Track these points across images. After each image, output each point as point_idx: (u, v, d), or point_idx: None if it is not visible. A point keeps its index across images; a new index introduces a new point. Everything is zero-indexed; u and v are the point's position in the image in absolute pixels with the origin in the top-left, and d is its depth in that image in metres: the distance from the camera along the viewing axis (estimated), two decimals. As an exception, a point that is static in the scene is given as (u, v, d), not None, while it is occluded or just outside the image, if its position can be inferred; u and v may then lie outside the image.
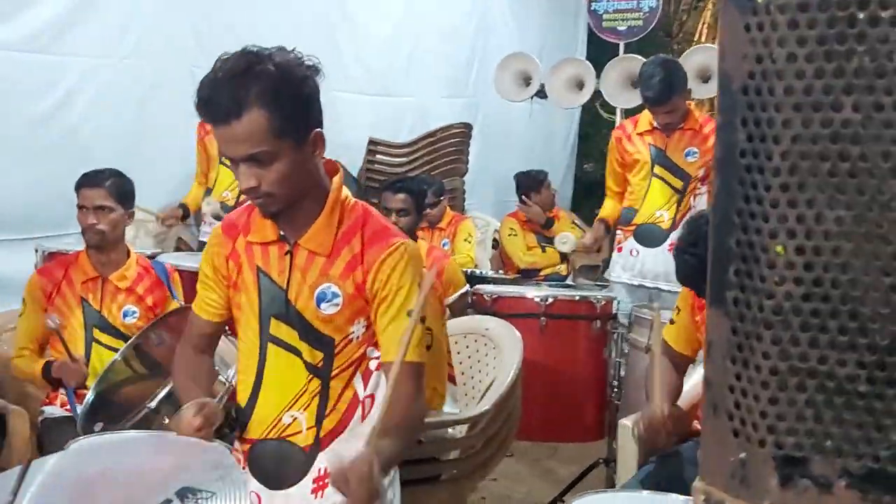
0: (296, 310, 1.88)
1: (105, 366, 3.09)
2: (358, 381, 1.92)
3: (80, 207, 3.28)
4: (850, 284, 0.70)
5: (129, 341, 3.09)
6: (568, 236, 4.84)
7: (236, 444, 2.01)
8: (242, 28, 5.71)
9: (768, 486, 0.75)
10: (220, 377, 2.77)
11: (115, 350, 3.15)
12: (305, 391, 1.91)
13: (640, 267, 4.38)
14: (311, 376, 1.91)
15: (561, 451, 4.84)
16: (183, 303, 3.35)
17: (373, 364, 1.93)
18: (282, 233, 1.90)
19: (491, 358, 3.46)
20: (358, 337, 1.90)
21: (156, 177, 5.33)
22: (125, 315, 3.33)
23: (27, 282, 3.36)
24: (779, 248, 0.73)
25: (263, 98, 1.71)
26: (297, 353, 1.90)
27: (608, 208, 4.53)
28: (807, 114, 0.70)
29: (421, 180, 5.32)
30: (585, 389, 4.23)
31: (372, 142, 6.65)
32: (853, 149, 0.69)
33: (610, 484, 3.76)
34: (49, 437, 3.16)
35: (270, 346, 1.91)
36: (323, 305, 1.87)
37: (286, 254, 1.89)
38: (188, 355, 2.09)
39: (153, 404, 2.59)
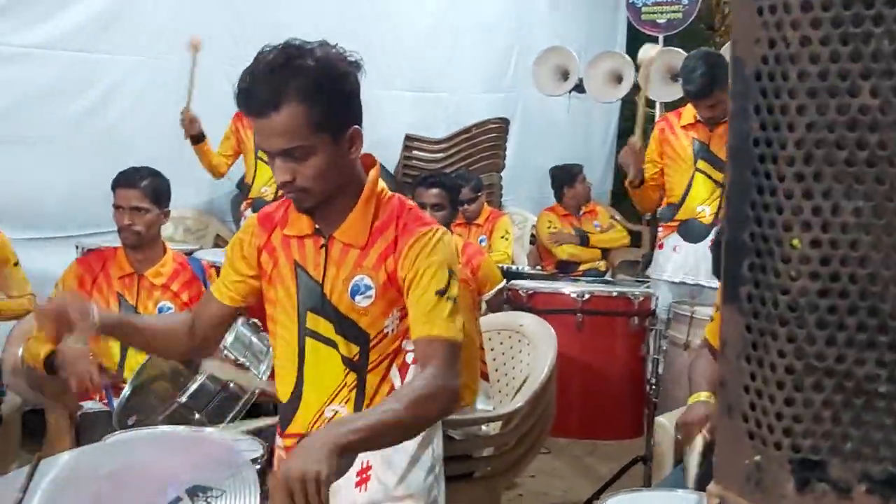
0: (331, 303, 1.87)
1: (141, 361, 3.11)
2: (395, 375, 1.91)
3: (116, 207, 3.31)
4: (869, 279, 0.66)
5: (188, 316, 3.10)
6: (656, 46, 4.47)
7: (278, 441, 2.00)
8: (278, 25, 5.72)
9: (784, 490, 0.71)
10: (251, 369, 2.79)
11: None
12: (344, 385, 1.90)
13: (682, 263, 4.32)
14: (347, 370, 1.90)
15: (599, 449, 4.79)
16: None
17: (409, 357, 1.92)
18: (317, 226, 1.89)
19: (525, 354, 3.44)
20: (392, 331, 1.89)
21: (193, 174, 5.37)
22: (160, 311, 3.35)
23: (66, 268, 3.41)
24: (794, 242, 0.69)
25: (302, 92, 1.70)
26: (334, 345, 1.89)
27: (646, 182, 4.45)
28: (822, 100, 0.66)
29: (457, 176, 5.31)
30: (623, 387, 4.18)
31: (409, 138, 6.64)
32: (871, 136, 0.65)
33: (648, 482, 3.71)
34: (87, 432, 3.19)
35: (308, 341, 1.91)
36: (357, 298, 1.86)
37: (322, 247, 1.88)
38: (177, 318, 2.15)
39: (184, 398, 2.61)
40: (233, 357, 2.76)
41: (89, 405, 3.33)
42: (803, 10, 0.67)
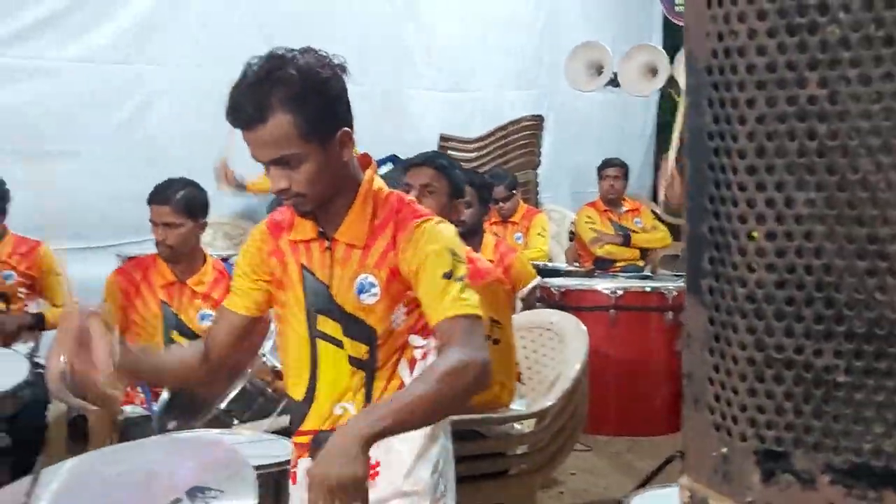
0: (337, 304, 1.90)
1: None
2: (404, 370, 1.93)
3: (151, 221, 3.36)
4: (825, 270, 0.66)
5: (206, 337, 3.15)
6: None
7: (293, 439, 2.03)
8: (312, 30, 5.78)
9: (751, 481, 0.71)
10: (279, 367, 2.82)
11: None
12: (352, 383, 1.92)
13: None
14: (355, 369, 1.92)
15: (639, 445, 4.76)
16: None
17: (417, 353, 1.93)
18: (321, 229, 1.91)
19: (557, 352, 3.43)
20: (399, 325, 1.91)
21: (235, 185, 5.46)
22: (202, 318, 3.41)
23: (105, 281, 3.48)
24: (754, 234, 0.69)
25: (286, 103, 1.71)
26: (342, 346, 1.91)
27: None
28: (771, 91, 0.66)
29: (492, 175, 5.30)
30: (659, 382, 4.16)
31: (443, 137, 6.66)
32: (821, 126, 0.65)
33: (686, 478, 3.68)
34: (129, 436, 3.25)
35: (319, 342, 1.93)
36: (363, 296, 1.88)
37: (326, 249, 1.91)
38: (189, 352, 2.12)
39: (223, 405, 2.65)
40: (270, 364, 2.80)
41: (131, 410, 3.40)
42: (749, 1, 0.67)
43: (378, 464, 1.92)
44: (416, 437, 1.90)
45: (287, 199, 1.83)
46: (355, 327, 1.90)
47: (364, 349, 1.90)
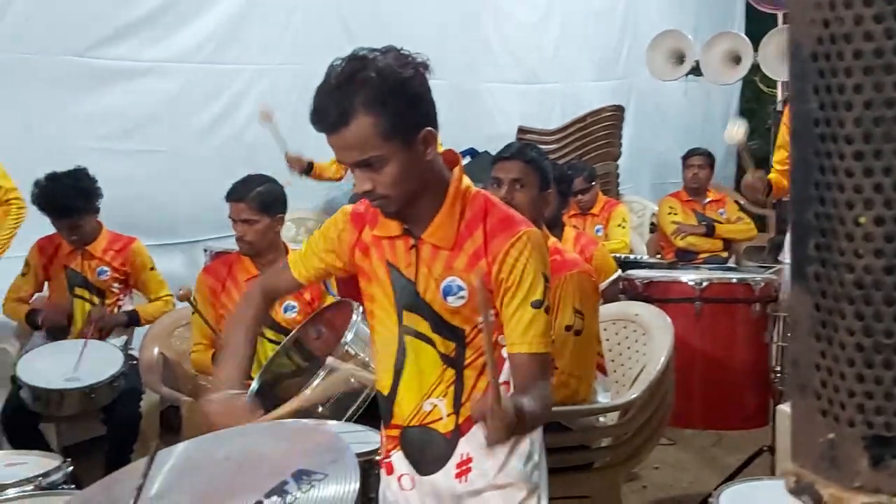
0: (425, 302, 1.91)
1: (268, 357, 3.24)
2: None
3: (230, 218, 3.45)
4: (935, 255, 0.65)
5: (290, 335, 3.22)
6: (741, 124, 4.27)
7: (382, 431, 2.07)
8: (392, 24, 5.84)
9: (859, 467, 0.71)
10: (371, 364, 2.86)
11: (277, 344, 3.30)
12: (441, 380, 1.94)
13: None
14: (445, 366, 1.93)
15: (725, 439, 4.70)
16: (338, 297, 3.46)
17: (505, 352, 1.93)
18: (406, 227, 1.92)
19: (641, 344, 3.40)
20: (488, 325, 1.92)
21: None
22: (286, 310, 3.48)
23: (196, 281, 3.58)
24: (861, 219, 0.69)
25: (368, 104, 1.72)
26: (431, 343, 1.93)
27: (773, 176, 4.33)
28: (878, 77, 0.66)
29: (570, 166, 5.27)
30: (746, 375, 4.08)
31: (521, 130, 6.65)
32: (930, 111, 0.64)
33: (774, 473, 3.62)
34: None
35: (407, 337, 1.95)
36: (449, 299, 1.89)
37: (412, 248, 1.91)
38: (256, 306, 2.18)
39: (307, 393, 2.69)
40: (353, 353, 2.84)
41: (221, 401, 3.49)
42: (856, -12, 0.66)
43: (471, 458, 1.94)
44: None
45: (372, 200, 1.85)
46: (443, 326, 1.91)
47: (452, 346, 1.92)
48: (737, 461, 4.14)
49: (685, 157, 6.17)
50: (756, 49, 6.16)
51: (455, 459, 1.95)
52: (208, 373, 3.57)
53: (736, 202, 6.48)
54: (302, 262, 2.09)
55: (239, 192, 3.40)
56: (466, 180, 1.93)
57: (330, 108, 1.74)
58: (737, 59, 6.30)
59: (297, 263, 2.10)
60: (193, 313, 3.54)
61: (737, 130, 3.80)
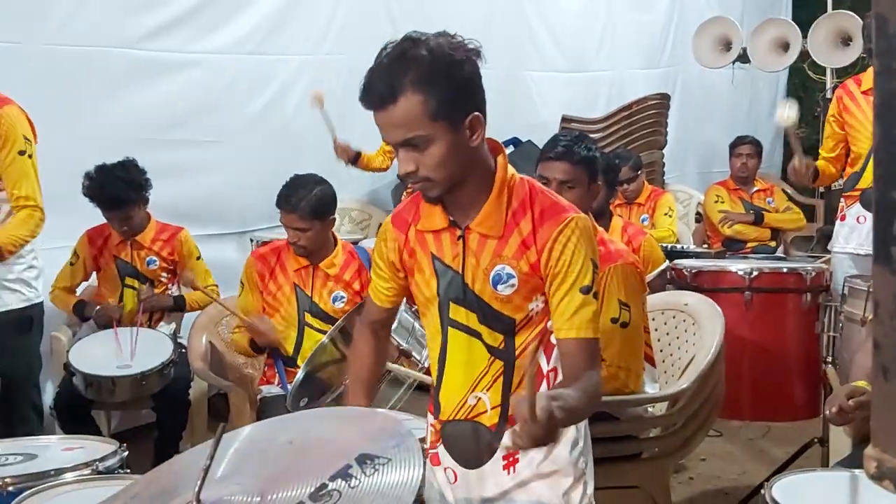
0: (473, 293, 1.89)
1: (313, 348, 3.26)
2: (541, 356, 1.91)
3: (281, 223, 3.46)
4: None
5: (336, 325, 3.24)
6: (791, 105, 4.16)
7: (430, 419, 2.06)
8: (437, 14, 5.83)
9: (945, 454, 0.69)
10: (414, 354, 2.87)
11: (324, 333, 3.32)
12: (487, 372, 1.92)
13: (868, 235, 4.10)
14: (492, 358, 1.92)
15: (774, 431, 4.64)
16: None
17: (554, 338, 1.91)
18: (451, 218, 1.90)
19: (690, 334, 3.36)
20: (537, 313, 1.90)
21: (360, 171, 5.55)
22: (334, 300, 3.50)
23: (244, 264, 3.61)
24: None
25: (417, 82, 1.72)
26: (478, 335, 1.91)
27: (821, 164, 4.25)
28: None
29: (615, 155, 5.21)
30: (797, 366, 4.02)
31: (565, 119, 6.60)
32: None
33: (825, 464, 3.57)
34: (266, 413, 3.37)
35: (451, 330, 1.93)
36: (500, 287, 1.87)
37: (459, 238, 1.90)
38: (366, 340, 2.17)
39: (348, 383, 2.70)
40: (396, 342, 2.85)
41: (267, 389, 3.52)
42: (948, -40, 0.64)
43: (517, 451, 1.92)
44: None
45: (414, 182, 1.83)
46: (492, 316, 1.89)
47: (501, 338, 1.90)
48: (785, 453, 4.09)
49: (733, 146, 6.08)
50: (805, 35, 6.05)
51: (502, 451, 1.94)
52: (247, 354, 3.61)
53: (784, 191, 6.38)
54: (375, 286, 2.09)
55: (290, 203, 3.37)
56: (511, 168, 1.91)
57: (379, 85, 1.74)
58: (785, 46, 6.20)
59: (373, 290, 2.10)
60: (239, 295, 3.58)
61: (788, 112, 3.75)
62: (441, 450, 2.02)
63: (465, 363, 1.93)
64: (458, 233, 1.89)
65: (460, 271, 1.89)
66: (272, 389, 3.51)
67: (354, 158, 5.32)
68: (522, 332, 1.90)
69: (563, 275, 1.84)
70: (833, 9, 6.26)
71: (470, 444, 1.97)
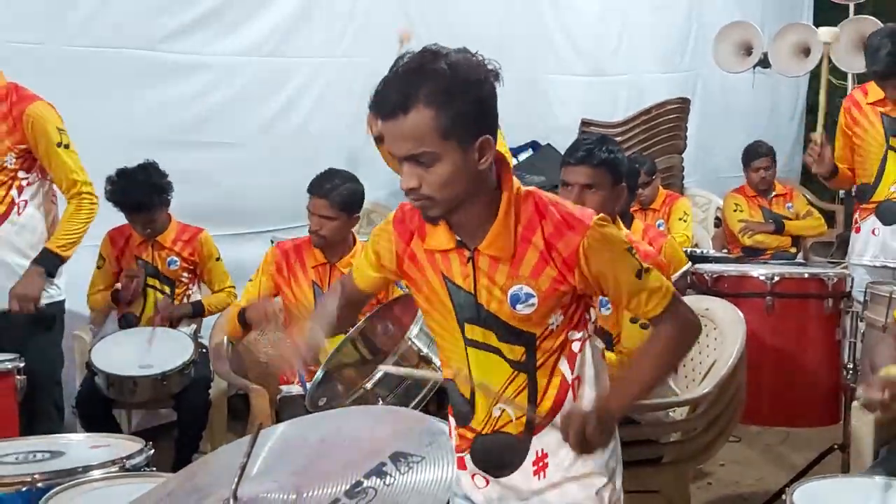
0: (489, 312, 1.87)
1: (333, 348, 3.27)
2: (564, 365, 1.91)
3: (308, 209, 3.48)
4: None
5: (357, 325, 3.24)
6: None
7: (452, 423, 2.05)
8: (455, 18, 5.84)
9: None
10: (433, 360, 2.87)
11: (343, 333, 3.33)
12: (510, 385, 1.91)
13: (882, 246, 4.11)
14: (515, 372, 1.90)
15: (793, 437, 4.64)
16: (406, 290, 3.48)
17: (575, 346, 1.91)
18: (458, 238, 1.86)
19: (711, 339, 3.35)
20: (557, 325, 1.88)
21: (374, 168, 5.54)
22: (350, 298, 3.51)
23: (267, 252, 3.64)
24: None
25: (431, 97, 1.68)
26: (498, 352, 1.90)
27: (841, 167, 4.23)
28: None
29: (629, 159, 5.18)
30: (817, 372, 4.01)
31: (585, 122, 6.59)
32: None
33: (845, 471, 3.56)
34: (285, 413, 3.40)
35: (470, 349, 1.92)
36: (519, 307, 1.84)
37: (468, 260, 1.86)
38: (336, 295, 2.16)
39: (369, 385, 2.70)
40: (416, 348, 2.85)
41: (287, 389, 3.54)
42: None
43: (546, 454, 1.93)
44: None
45: (415, 200, 1.77)
46: (511, 333, 1.88)
47: (521, 351, 1.89)
48: (804, 459, 4.08)
49: (748, 159, 5.98)
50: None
51: (531, 457, 1.94)
52: (234, 333, 3.62)
53: (809, 203, 6.31)
54: (359, 273, 2.09)
55: (323, 189, 3.42)
56: (517, 182, 1.86)
57: (392, 94, 1.70)
58: (806, 51, 6.17)
59: (358, 273, 2.09)
60: (250, 280, 3.62)
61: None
62: (468, 458, 2.01)
63: (488, 378, 1.92)
64: (467, 254, 1.85)
65: (473, 292, 1.86)
66: (292, 389, 3.53)
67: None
68: (543, 344, 1.89)
69: (612, 278, 1.83)
70: (856, 14, 6.22)
71: (497, 456, 1.97)
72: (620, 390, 1.92)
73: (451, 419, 2.05)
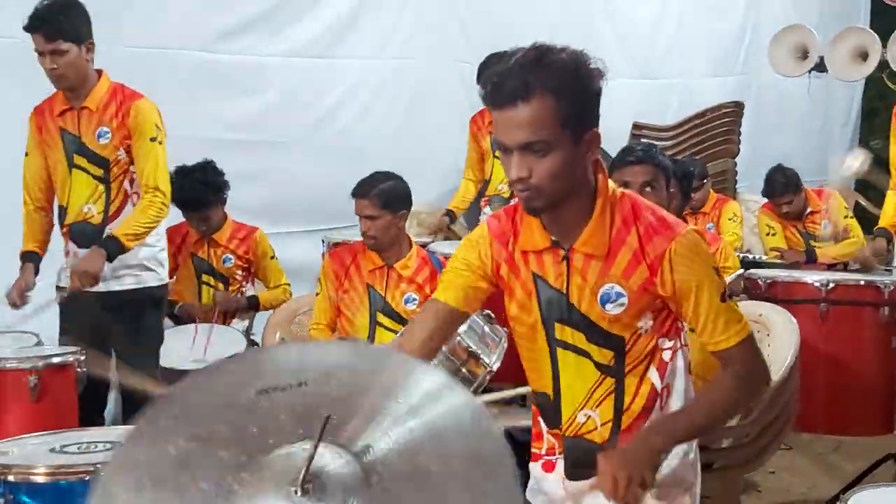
0: (580, 313, 1.86)
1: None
2: (653, 374, 1.89)
3: (356, 213, 3.53)
4: None
5: (406, 326, 3.27)
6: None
7: (543, 427, 2.02)
8: (506, 20, 5.83)
9: None
10: (482, 357, 2.87)
11: (394, 333, 3.37)
12: (597, 389, 1.90)
13: None
14: (603, 375, 1.89)
15: (845, 446, 4.56)
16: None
17: (666, 355, 1.89)
18: (553, 238, 1.87)
19: (765, 345, 3.31)
20: (647, 330, 1.87)
21: (424, 169, 5.56)
22: (406, 301, 3.55)
23: (322, 263, 3.69)
24: None
25: (554, 85, 1.69)
26: (587, 354, 1.89)
27: (889, 210, 4.12)
28: None
29: (683, 163, 5.11)
30: (871, 380, 3.94)
31: (636, 126, 6.55)
32: None
33: (904, 480, 3.50)
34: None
35: (559, 350, 1.91)
36: (608, 306, 1.84)
37: (563, 259, 1.86)
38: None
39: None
40: (465, 345, 2.86)
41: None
42: None
43: None
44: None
45: (522, 190, 1.77)
46: (600, 335, 1.87)
47: (610, 355, 1.88)
48: (856, 468, 4.02)
49: (767, 195, 5.60)
50: (884, 45, 5.93)
51: None
52: None
53: (846, 209, 6.04)
54: (447, 287, 1.96)
55: (363, 189, 3.49)
56: (611, 183, 1.88)
57: (513, 81, 1.71)
58: (864, 56, 6.07)
59: (448, 291, 1.95)
60: (317, 294, 3.65)
61: (856, 160, 3.65)
62: (558, 460, 1.99)
63: (575, 381, 1.91)
64: (562, 253, 1.86)
65: (565, 291, 1.86)
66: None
67: (451, 221, 5.13)
68: (633, 350, 1.87)
69: (695, 294, 1.81)
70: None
71: (578, 461, 1.94)
72: (669, 426, 1.86)
73: (541, 423, 2.01)
